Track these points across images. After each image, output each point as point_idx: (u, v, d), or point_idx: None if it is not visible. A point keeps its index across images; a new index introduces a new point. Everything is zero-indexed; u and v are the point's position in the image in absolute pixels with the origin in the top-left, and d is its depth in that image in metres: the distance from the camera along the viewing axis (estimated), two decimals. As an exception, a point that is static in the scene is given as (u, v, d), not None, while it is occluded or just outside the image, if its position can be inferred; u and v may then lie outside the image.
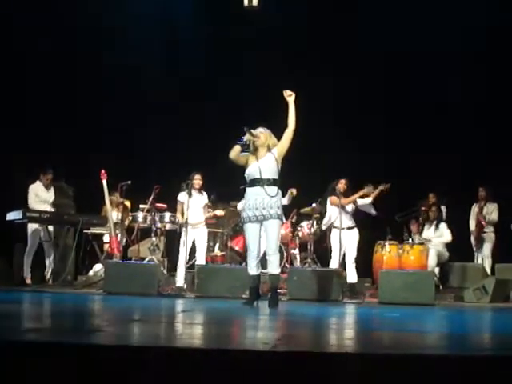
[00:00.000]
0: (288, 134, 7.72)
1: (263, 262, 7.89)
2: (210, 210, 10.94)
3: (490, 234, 11.71)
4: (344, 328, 5.72)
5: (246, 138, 7.71)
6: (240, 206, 10.35)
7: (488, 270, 11.36)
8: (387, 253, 10.77)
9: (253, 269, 7.83)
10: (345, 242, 10.33)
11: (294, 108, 7.64)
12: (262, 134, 7.79)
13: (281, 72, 12.11)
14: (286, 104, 7.62)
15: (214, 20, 12.73)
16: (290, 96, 7.67)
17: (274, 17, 12.36)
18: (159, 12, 13.07)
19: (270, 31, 12.64)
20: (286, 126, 7.68)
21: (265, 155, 7.74)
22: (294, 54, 12.84)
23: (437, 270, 10.98)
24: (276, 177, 7.73)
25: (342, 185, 10.45)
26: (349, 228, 10.42)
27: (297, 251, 11.63)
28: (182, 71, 13.11)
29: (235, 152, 7.71)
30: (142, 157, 12.79)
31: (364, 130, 12.76)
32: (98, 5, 12.44)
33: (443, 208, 11.49)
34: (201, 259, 10.52)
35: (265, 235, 7.79)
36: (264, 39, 12.73)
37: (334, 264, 10.41)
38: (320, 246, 11.21)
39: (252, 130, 7.73)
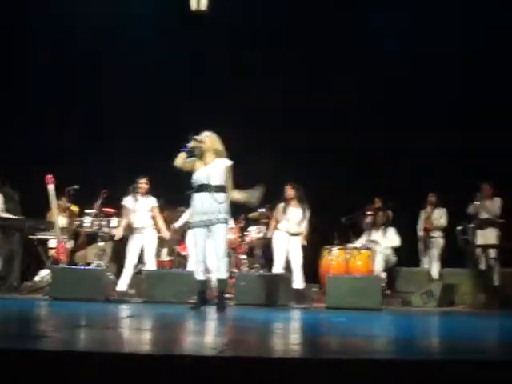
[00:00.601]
0: (229, 189, 7.78)
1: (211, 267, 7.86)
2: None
3: (438, 239, 11.83)
4: (291, 333, 5.74)
5: (192, 144, 7.71)
6: (187, 215, 10.29)
7: (436, 275, 11.48)
8: (334, 258, 10.79)
9: (200, 274, 7.85)
10: (290, 248, 10.33)
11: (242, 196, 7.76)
12: (207, 137, 7.81)
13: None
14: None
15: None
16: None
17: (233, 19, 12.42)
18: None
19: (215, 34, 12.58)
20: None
21: (213, 161, 7.77)
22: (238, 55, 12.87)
23: (384, 274, 11.03)
24: (224, 183, 7.76)
25: (288, 190, 10.48)
26: (294, 234, 10.41)
27: (245, 256, 11.61)
28: (123, 72, 12.96)
29: (181, 159, 7.71)
30: (88, 161, 12.56)
31: (311, 130, 12.75)
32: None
33: (390, 213, 11.55)
34: (150, 263, 10.44)
35: (212, 240, 7.79)
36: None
37: (277, 269, 10.40)
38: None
39: (196, 136, 7.74)
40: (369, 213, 11.52)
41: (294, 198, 10.48)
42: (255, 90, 12.51)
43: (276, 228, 10.61)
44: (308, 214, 10.51)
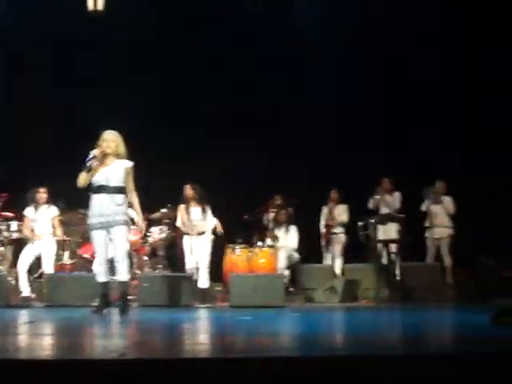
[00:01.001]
0: (128, 187, 7.70)
1: (113, 268, 7.75)
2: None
3: (339, 236, 11.95)
4: (196, 333, 5.71)
5: (95, 152, 7.57)
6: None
7: (339, 271, 11.62)
8: (237, 256, 10.80)
9: (101, 276, 7.76)
10: (196, 247, 10.27)
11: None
12: (113, 142, 7.69)
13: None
14: None
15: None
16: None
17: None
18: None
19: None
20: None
21: (113, 162, 7.66)
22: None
23: (287, 272, 11.11)
24: (123, 184, 7.66)
25: (187, 190, 10.40)
26: (200, 233, 10.35)
27: (147, 257, 11.48)
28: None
29: (82, 180, 7.58)
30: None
31: (209, 128, 12.66)
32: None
33: (291, 210, 11.62)
34: (48, 269, 10.29)
35: (112, 242, 7.71)
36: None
37: (188, 268, 10.36)
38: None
39: (100, 147, 7.60)
40: (270, 210, 11.52)
41: (194, 198, 10.41)
42: (153, 89, 12.49)
43: (182, 230, 10.54)
44: (209, 213, 10.46)
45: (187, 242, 10.38)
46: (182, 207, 10.51)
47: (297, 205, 11.47)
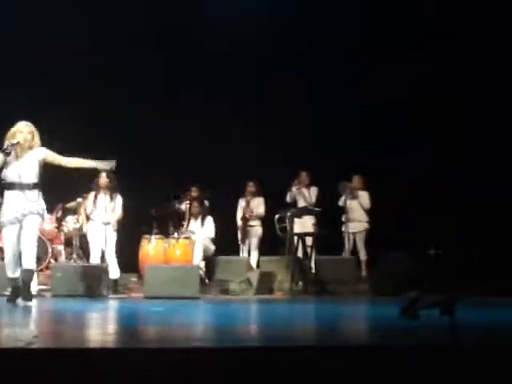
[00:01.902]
0: (62, 162, 7.52)
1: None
2: None
3: (256, 228, 11.92)
4: (107, 323, 5.67)
5: (19, 138, 7.40)
6: None
7: (254, 263, 11.62)
8: (153, 247, 10.70)
9: (11, 271, 7.57)
10: (103, 237, 10.14)
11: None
12: (29, 134, 7.51)
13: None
14: None
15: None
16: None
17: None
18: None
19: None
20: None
21: (25, 156, 7.46)
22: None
23: (202, 263, 11.04)
24: (36, 180, 7.51)
25: (102, 178, 10.25)
26: (105, 223, 10.22)
27: (62, 247, 11.30)
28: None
29: None
30: None
31: (132, 120, 12.46)
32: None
33: (206, 202, 11.58)
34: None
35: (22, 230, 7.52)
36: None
37: (93, 259, 10.24)
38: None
39: (13, 140, 7.41)
40: (186, 202, 11.44)
41: (107, 187, 10.27)
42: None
43: (88, 218, 10.41)
44: (120, 203, 10.34)
45: (93, 231, 10.27)
46: (91, 195, 10.36)
47: (212, 196, 11.46)
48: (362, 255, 11.51)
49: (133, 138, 12.34)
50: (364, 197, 11.62)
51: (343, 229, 11.51)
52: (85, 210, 10.54)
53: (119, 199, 10.32)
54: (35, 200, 7.42)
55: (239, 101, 12.42)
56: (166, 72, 12.67)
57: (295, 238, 10.72)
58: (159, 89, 12.62)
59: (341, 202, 11.57)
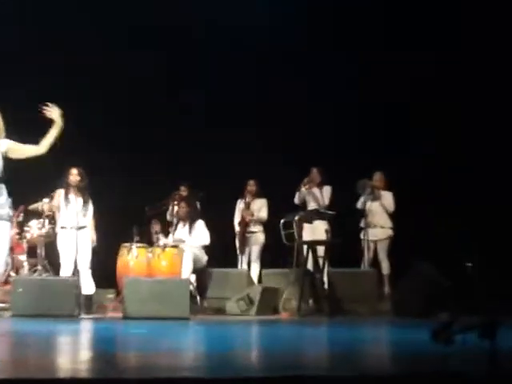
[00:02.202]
0: (33, 151, 7.50)
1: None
2: None
3: (257, 235, 11.89)
4: (79, 349, 5.66)
5: None
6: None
7: (255, 277, 11.62)
8: (134, 258, 10.70)
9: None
10: (76, 245, 10.15)
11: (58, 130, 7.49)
12: None
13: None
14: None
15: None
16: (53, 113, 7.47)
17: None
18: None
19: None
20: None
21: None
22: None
23: (193, 277, 11.04)
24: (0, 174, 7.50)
25: (72, 175, 10.27)
26: (79, 228, 10.24)
27: (24, 257, 11.23)
28: None
29: None
30: None
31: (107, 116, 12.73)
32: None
33: (198, 204, 11.57)
34: None
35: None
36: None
37: (64, 272, 10.22)
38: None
39: None
40: (174, 203, 11.47)
41: (77, 186, 10.26)
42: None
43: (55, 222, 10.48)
44: (91, 205, 10.37)
45: (63, 238, 10.28)
46: (59, 193, 10.34)
47: (204, 197, 11.53)
48: (385, 268, 11.42)
49: (133, 137, 12.67)
50: (387, 198, 11.56)
51: (362, 236, 11.49)
52: (53, 212, 10.57)
53: (90, 201, 10.35)
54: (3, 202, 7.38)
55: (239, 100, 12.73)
56: (165, 72, 13.17)
57: (304, 246, 10.69)
58: (159, 89, 13.06)
59: (359, 204, 11.56)
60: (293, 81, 12.73)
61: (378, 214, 11.55)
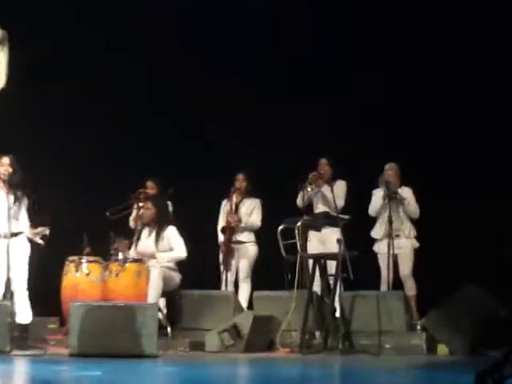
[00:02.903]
0: None
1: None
2: None
3: (247, 246, 11.86)
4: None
5: None
6: None
7: (244, 302, 11.58)
8: (84, 276, 10.66)
9: None
10: (7, 259, 10.08)
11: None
12: None
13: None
14: None
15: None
16: None
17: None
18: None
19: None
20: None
21: None
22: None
23: (163, 301, 11.05)
24: None
25: (2, 167, 10.23)
26: (12, 235, 10.18)
27: None
28: None
29: None
30: None
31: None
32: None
33: (169, 205, 11.60)
34: None
35: None
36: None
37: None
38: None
39: None
40: (138, 204, 11.57)
41: (8, 182, 10.24)
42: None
43: None
44: (24, 207, 10.36)
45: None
46: None
47: (175, 195, 11.69)
48: (410, 288, 11.46)
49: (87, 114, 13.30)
50: (412, 198, 11.60)
51: (379, 247, 11.56)
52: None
53: (25, 201, 10.32)
54: None
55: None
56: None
57: (310, 261, 10.66)
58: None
59: (374, 208, 11.63)
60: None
61: (400, 219, 11.55)
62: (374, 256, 11.63)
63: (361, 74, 13.19)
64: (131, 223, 11.81)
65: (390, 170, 11.63)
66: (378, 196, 11.55)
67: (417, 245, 11.58)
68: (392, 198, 11.43)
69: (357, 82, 13.19)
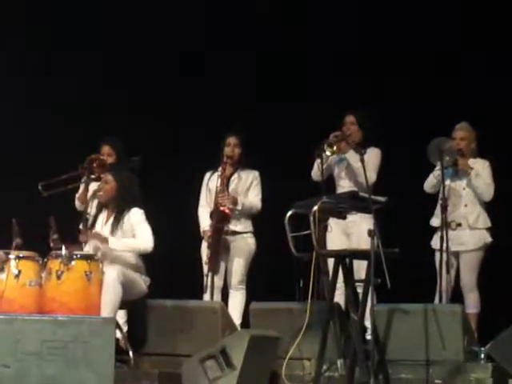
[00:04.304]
0: None
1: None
2: None
3: (243, 239, 11.40)
4: None
5: None
6: None
7: (236, 316, 11.11)
8: (13, 278, 9.98)
9: None
10: None
11: None
12: None
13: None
14: None
15: None
16: None
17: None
18: None
19: None
20: None
21: None
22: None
23: (123, 315, 10.57)
24: None
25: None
26: None
27: None
28: None
29: None
30: None
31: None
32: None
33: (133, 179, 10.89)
34: None
35: None
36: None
37: None
38: None
39: None
40: (90, 176, 11.17)
41: None
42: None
43: None
44: None
45: None
46: None
47: (141, 165, 11.50)
48: (471, 303, 10.90)
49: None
50: (485, 172, 10.82)
51: (436, 243, 10.73)
52: None
53: None
54: None
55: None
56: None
57: (330, 261, 9.91)
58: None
59: (430, 186, 10.82)
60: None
61: (464, 203, 10.94)
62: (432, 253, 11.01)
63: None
64: (77, 203, 11.43)
65: (463, 132, 10.97)
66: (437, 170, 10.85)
67: (488, 239, 10.81)
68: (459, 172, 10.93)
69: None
